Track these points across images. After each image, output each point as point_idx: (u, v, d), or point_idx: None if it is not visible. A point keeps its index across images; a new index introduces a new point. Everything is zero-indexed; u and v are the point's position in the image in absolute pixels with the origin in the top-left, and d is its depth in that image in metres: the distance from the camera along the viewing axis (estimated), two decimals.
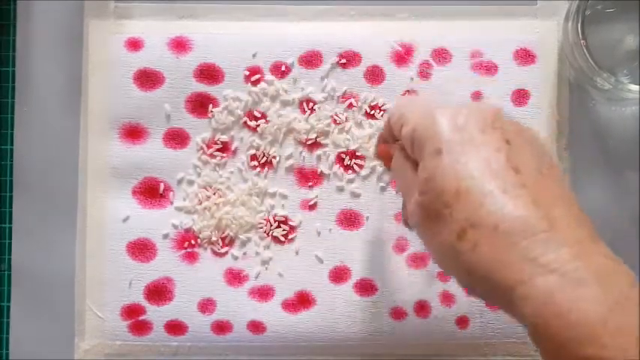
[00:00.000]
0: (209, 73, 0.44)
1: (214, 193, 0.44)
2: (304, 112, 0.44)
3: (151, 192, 0.44)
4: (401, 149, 0.34)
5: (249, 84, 0.44)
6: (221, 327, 0.44)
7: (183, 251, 0.44)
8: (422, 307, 0.44)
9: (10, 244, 0.45)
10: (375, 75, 0.44)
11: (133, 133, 0.44)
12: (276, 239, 0.44)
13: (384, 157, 0.38)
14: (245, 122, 0.44)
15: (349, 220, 0.44)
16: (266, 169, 0.44)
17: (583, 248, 0.28)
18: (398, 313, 0.44)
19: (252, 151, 0.44)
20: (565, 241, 0.28)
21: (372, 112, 0.44)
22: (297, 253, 0.44)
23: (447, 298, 0.44)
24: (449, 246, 0.29)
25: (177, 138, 0.44)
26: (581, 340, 0.26)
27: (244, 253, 0.44)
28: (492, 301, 0.30)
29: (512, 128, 0.31)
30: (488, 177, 0.29)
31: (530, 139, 0.32)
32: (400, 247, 0.44)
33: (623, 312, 0.27)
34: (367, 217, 0.44)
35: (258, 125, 0.44)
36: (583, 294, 0.27)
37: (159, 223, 0.44)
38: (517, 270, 0.27)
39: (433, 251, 0.31)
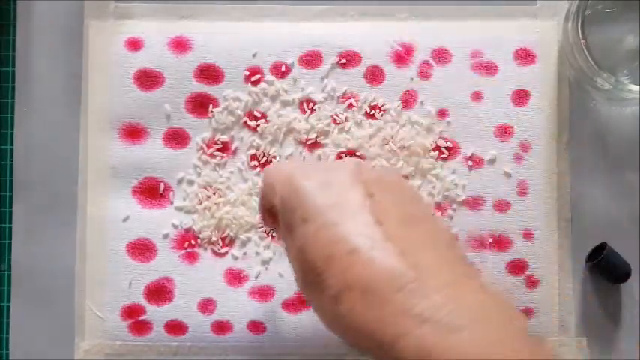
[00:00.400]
0: (209, 73, 0.44)
1: (214, 193, 0.44)
2: (304, 112, 0.44)
3: (151, 192, 0.44)
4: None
5: (249, 84, 0.44)
6: (221, 327, 0.44)
7: (183, 251, 0.44)
8: None
9: (10, 244, 0.45)
10: (375, 75, 0.44)
11: (133, 133, 0.44)
12: (276, 239, 0.44)
13: (270, 225, 0.36)
14: (245, 122, 0.44)
15: None
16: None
17: (455, 290, 0.28)
18: None
19: (252, 151, 0.44)
20: (436, 287, 0.28)
21: (372, 112, 0.44)
22: None
23: None
24: (329, 311, 0.30)
25: (177, 138, 0.44)
26: None
27: (244, 253, 0.44)
28: (383, 358, 0.29)
29: (373, 178, 0.32)
30: (354, 236, 0.29)
31: (393, 187, 0.32)
32: None
33: (503, 349, 0.27)
34: None
35: (258, 125, 0.44)
36: (458, 340, 0.27)
37: (159, 223, 0.44)
38: (394, 325, 0.27)
39: (318, 316, 0.31)
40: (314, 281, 0.30)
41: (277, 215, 0.33)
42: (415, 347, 0.27)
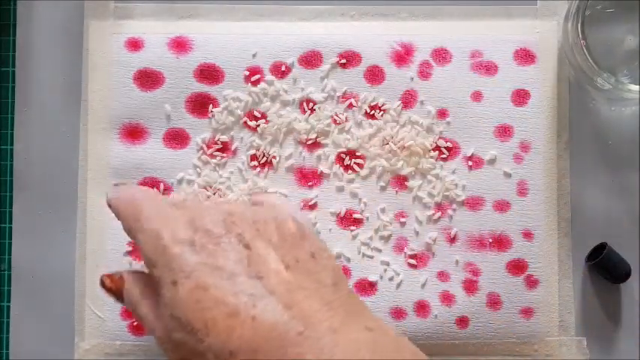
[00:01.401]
0: (209, 73, 0.44)
1: (214, 193, 0.44)
2: (304, 112, 0.44)
3: None
4: (136, 275, 0.31)
5: (249, 84, 0.44)
6: None
7: None
8: (422, 307, 0.44)
9: (10, 244, 0.45)
10: (375, 75, 0.44)
11: (133, 133, 0.44)
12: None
13: (114, 291, 0.32)
14: (245, 122, 0.44)
15: (349, 220, 0.44)
16: (266, 169, 0.44)
17: (343, 337, 0.27)
18: (398, 313, 0.44)
19: (252, 151, 0.44)
20: (322, 336, 0.27)
21: (372, 112, 0.44)
22: None
23: (447, 298, 0.44)
24: None
25: (177, 138, 0.44)
26: None
27: None
28: None
29: (246, 221, 0.30)
30: (232, 296, 0.27)
31: (271, 230, 0.30)
32: (400, 247, 0.44)
33: None
34: (367, 217, 0.44)
35: (258, 125, 0.44)
36: None
37: None
38: None
39: None
40: (195, 351, 0.27)
41: (119, 280, 0.31)
42: None
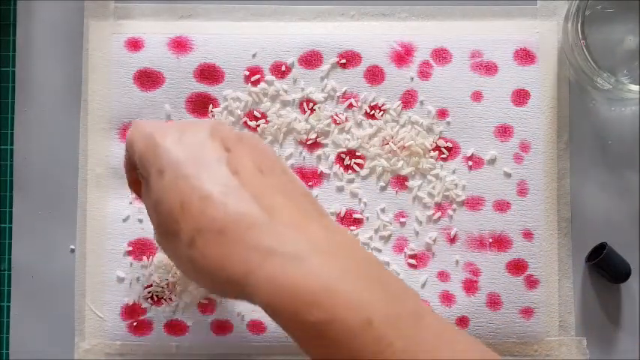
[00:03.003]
0: (209, 74, 0.44)
1: None
2: (304, 112, 0.44)
3: None
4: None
5: (249, 84, 0.44)
6: (221, 326, 0.44)
7: None
8: None
9: (10, 244, 0.45)
10: (375, 75, 0.44)
11: None
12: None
13: (133, 185, 0.38)
14: (245, 122, 0.44)
15: (349, 220, 0.44)
16: None
17: (302, 228, 0.30)
18: None
19: None
20: (285, 226, 0.30)
21: (372, 112, 0.44)
22: None
23: (447, 298, 0.44)
24: (185, 256, 0.31)
25: None
26: (308, 309, 0.28)
27: None
28: (234, 296, 0.31)
29: (231, 136, 0.33)
30: (209, 185, 0.30)
31: (250, 145, 0.33)
32: (400, 247, 0.44)
33: (347, 277, 0.28)
34: (367, 217, 0.44)
35: (258, 125, 0.44)
36: (303, 269, 0.28)
37: None
38: (244, 261, 0.29)
39: (176, 265, 0.33)
40: (170, 230, 0.31)
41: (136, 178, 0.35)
42: (265, 280, 0.28)
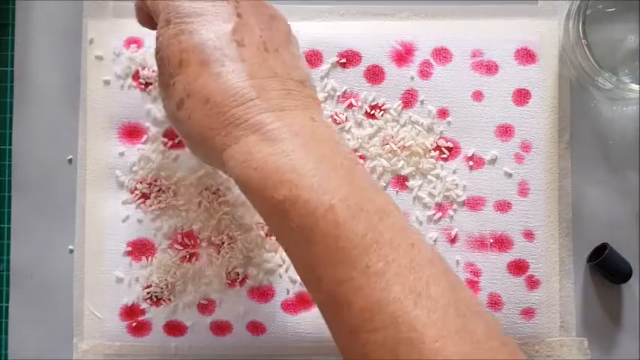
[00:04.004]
0: None
1: (214, 193, 0.44)
2: None
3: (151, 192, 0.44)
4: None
5: None
6: (221, 327, 0.44)
7: (183, 251, 0.44)
8: None
9: (8, 244, 0.45)
10: (375, 74, 0.44)
11: (133, 133, 0.44)
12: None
13: (144, 22, 0.38)
14: None
15: None
16: None
17: (287, 114, 0.31)
18: None
19: None
20: (270, 108, 0.30)
21: (373, 112, 0.44)
22: None
23: None
24: (172, 114, 0.32)
25: (176, 138, 0.44)
26: (275, 186, 0.29)
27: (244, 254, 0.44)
28: (212, 163, 0.32)
29: (247, 2, 0.33)
30: (210, 49, 0.31)
31: (265, 17, 0.33)
32: None
33: (314, 166, 0.29)
34: None
35: None
36: (277, 149, 0.29)
37: (158, 223, 0.44)
38: (224, 135, 0.30)
39: (167, 116, 0.34)
40: (166, 83, 0.32)
41: (149, 17, 0.35)
42: (239, 154, 0.30)
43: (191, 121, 0.31)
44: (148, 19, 0.36)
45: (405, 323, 0.27)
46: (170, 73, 0.32)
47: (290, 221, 0.29)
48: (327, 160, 0.30)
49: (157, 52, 0.33)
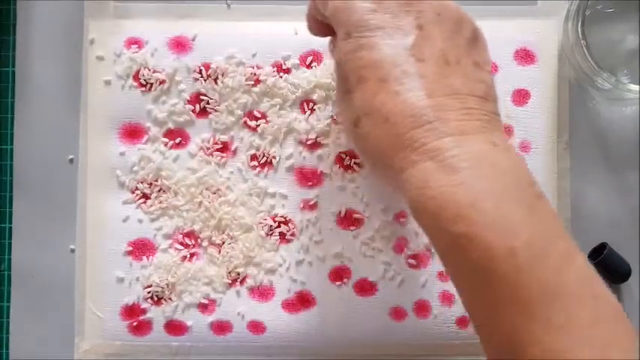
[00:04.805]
0: (209, 73, 0.44)
1: (214, 193, 0.44)
2: (304, 112, 0.44)
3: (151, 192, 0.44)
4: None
5: (250, 84, 0.44)
6: (221, 327, 0.44)
7: (184, 251, 0.44)
8: (422, 307, 0.44)
9: (10, 244, 0.45)
10: None
11: (133, 133, 0.44)
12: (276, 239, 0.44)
13: (314, 33, 0.38)
14: (245, 122, 0.44)
15: (349, 220, 0.44)
16: (266, 169, 0.44)
17: (467, 139, 0.29)
18: (398, 313, 0.44)
19: (252, 151, 0.44)
20: (449, 132, 0.29)
21: None
22: (297, 253, 0.44)
23: (447, 298, 0.44)
24: (349, 130, 0.32)
25: (177, 138, 0.44)
26: (452, 220, 0.28)
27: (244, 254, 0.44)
28: (388, 181, 0.32)
29: (429, 10, 0.31)
30: (389, 65, 0.30)
31: (450, 24, 0.32)
32: (400, 247, 0.44)
33: (491, 198, 0.28)
34: (367, 217, 0.44)
35: (258, 125, 0.44)
36: (455, 180, 0.28)
37: (159, 223, 0.44)
38: (402, 157, 0.29)
39: (344, 130, 0.34)
40: (345, 97, 0.32)
41: (323, 26, 0.35)
42: (416, 180, 0.29)
43: (369, 140, 0.30)
44: (321, 28, 0.36)
45: None
46: (348, 89, 0.31)
47: (465, 259, 0.27)
48: (510, 194, 0.28)
49: (337, 65, 0.32)
